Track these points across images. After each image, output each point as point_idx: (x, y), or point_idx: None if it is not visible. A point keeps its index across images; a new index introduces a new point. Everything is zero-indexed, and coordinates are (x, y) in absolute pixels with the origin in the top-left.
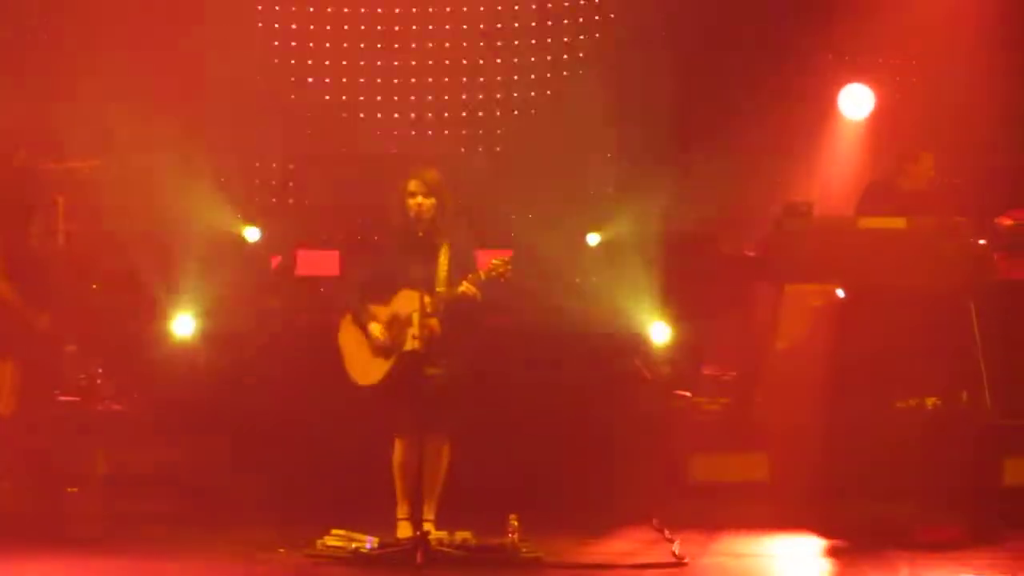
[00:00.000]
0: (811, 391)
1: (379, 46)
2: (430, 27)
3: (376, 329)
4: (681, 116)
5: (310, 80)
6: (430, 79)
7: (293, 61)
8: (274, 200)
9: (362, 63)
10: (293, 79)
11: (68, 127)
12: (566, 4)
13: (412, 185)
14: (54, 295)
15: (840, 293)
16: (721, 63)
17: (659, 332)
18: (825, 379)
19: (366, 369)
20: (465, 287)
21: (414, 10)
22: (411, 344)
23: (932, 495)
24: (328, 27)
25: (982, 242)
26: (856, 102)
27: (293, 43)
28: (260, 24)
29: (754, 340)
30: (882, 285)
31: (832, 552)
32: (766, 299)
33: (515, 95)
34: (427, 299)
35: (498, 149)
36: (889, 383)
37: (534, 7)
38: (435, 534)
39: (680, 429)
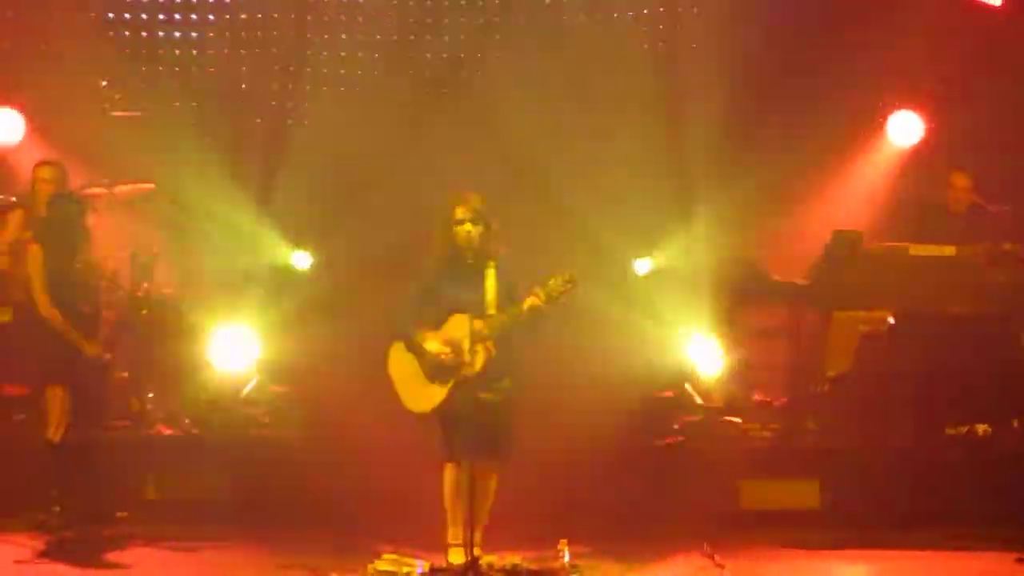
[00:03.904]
0: (861, 418)
1: None
2: None
3: (435, 347)
4: (731, 143)
5: None
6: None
7: None
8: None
9: None
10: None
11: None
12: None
13: (459, 212)
14: (103, 322)
15: (889, 320)
16: (771, 91)
17: (710, 359)
18: (875, 406)
19: (421, 395)
20: (531, 301)
21: None
22: (467, 369)
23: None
24: None
25: None
26: (905, 129)
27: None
28: None
29: (804, 367)
30: (931, 312)
31: None
32: (816, 326)
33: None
34: (479, 322)
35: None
36: (939, 410)
37: None
38: (485, 558)
39: (731, 456)
